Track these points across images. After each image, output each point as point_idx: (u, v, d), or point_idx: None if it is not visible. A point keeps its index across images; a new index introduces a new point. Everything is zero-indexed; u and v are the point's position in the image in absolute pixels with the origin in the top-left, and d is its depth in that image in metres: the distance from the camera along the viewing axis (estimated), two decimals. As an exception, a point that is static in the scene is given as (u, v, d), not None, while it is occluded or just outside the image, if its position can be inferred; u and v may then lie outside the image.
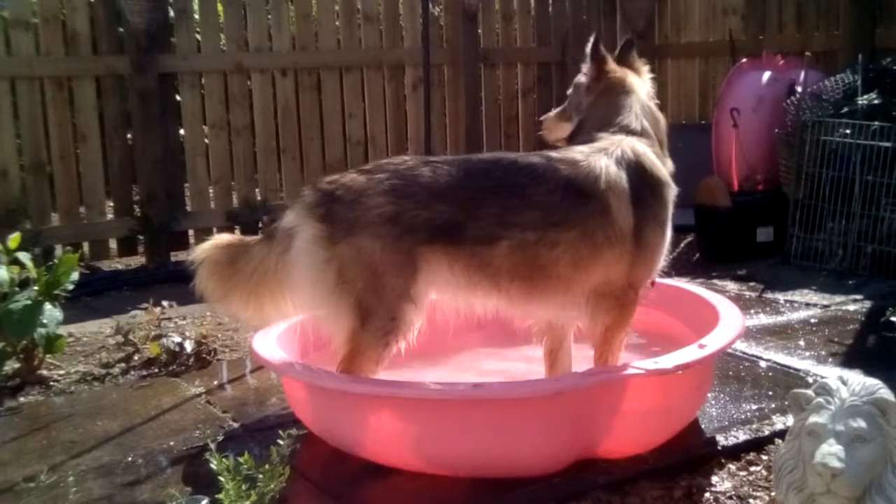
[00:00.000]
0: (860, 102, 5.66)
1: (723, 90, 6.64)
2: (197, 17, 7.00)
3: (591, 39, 3.23)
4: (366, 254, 2.76)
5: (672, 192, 3.02)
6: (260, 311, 3.04)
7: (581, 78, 3.26)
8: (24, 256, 3.99)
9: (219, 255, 3.01)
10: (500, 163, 2.92)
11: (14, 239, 4.01)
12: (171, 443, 3.14)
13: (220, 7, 6.97)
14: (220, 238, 3.10)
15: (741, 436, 2.95)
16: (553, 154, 2.95)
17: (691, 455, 2.84)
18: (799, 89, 6.15)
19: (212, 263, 3.00)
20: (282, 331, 3.28)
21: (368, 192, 2.80)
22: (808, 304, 4.75)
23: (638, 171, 2.91)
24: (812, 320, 4.44)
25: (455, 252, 2.80)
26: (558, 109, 3.42)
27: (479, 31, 7.77)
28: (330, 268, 2.79)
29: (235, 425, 3.29)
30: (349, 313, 2.81)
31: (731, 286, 5.23)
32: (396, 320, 2.81)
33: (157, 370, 4.01)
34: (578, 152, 2.92)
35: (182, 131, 6.82)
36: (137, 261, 6.63)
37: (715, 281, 5.33)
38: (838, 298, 4.83)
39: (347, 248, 2.77)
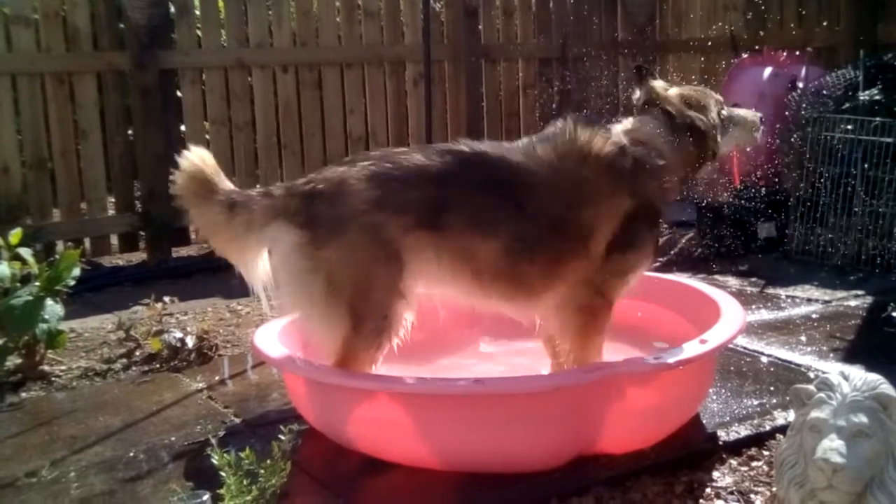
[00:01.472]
0: (861, 98, 5.65)
1: (724, 86, 6.62)
2: (198, 12, 6.99)
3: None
4: (354, 252, 2.73)
5: (659, 213, 3.02)
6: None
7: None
8: (25, 252, 3.99)
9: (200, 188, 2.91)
10: (487, 157, 2.90)
11: (15, 235, 4.02)
12: (173, 438, 3.14)
13: (220, 3, 6.97)
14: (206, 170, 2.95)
15: (742, 431, 2.95)
16: (540, 153, 2.93)
17: (692, 450, 2.84)
18: (800, 85, 6.15)
19: (193, 185, 2.91)
20: (283, 326, 3.29)
21: (350, 182, 2.77)
22: (809, 300, 4.75)
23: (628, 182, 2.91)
24: (813, 316, 4.44)
25: (440, 238, 2.79)
26: None
27: (480, 26, 7.76)
28: (318, 277, 2.75)
29: (237, 421, 3.30)
30: (342, 319, 2.78)
31: (733, 282, 5.23)
32: (388, 318, 2.80)
33: (158, 366, 4.01)
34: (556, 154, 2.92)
35: (183, 127, 6.82)
36: (139, 257, 6.64)
37: (716, 276, 5.33)
38: (840, 294, 4.83)
39: (334, 252, 2.73)
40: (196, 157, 2.92)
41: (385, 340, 2.82)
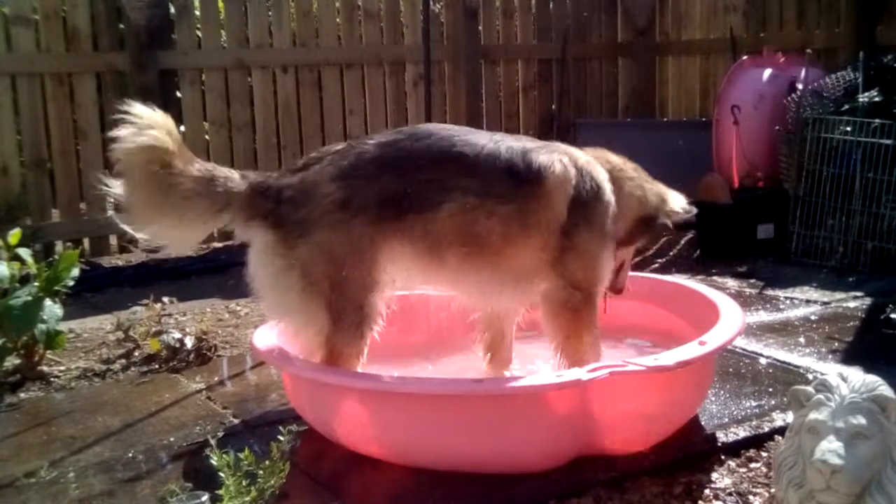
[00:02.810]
0: (861, 100, 5.65)
1: (723, 87, 6.63)
2: (198, 13, 7.00)
3: None
4: (326, 249, 2.79)
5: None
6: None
7: None
8: (24, 252, 3.98)
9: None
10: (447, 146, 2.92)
11: (14, 235, 4.01)
12: (172, 439, 3.14)
13: (220, 4, 6.98)
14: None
15: (741, 432, 2.95)
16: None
17: (691, 451, 2.84)
18: (800, 86, 6.14)
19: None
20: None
21: (317, 184, 2.83)
22: (808, 301, 4.75)
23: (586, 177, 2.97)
24: (812, 317, 4.44)
25: (401, 225, 2.84)
26: None
27: (480, 27, 7.77)
28: (293, 274, 2.82)
29: (236, 421, 3.29)
30: (322, 314, 2.85)
31: (732, 283, 5.23)
32: (364, 309, 2.86)
33: (157, 366, 4.01)
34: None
35: (182, 128, 6.80)
36: (138, 257, 6.64)
37: (715, 278, 5.33)
38: (838, 295, 4.83)
39: (307, 249, 2.79)
40: (156, 120, 2.96)
41: (367, 330, 2.89)
